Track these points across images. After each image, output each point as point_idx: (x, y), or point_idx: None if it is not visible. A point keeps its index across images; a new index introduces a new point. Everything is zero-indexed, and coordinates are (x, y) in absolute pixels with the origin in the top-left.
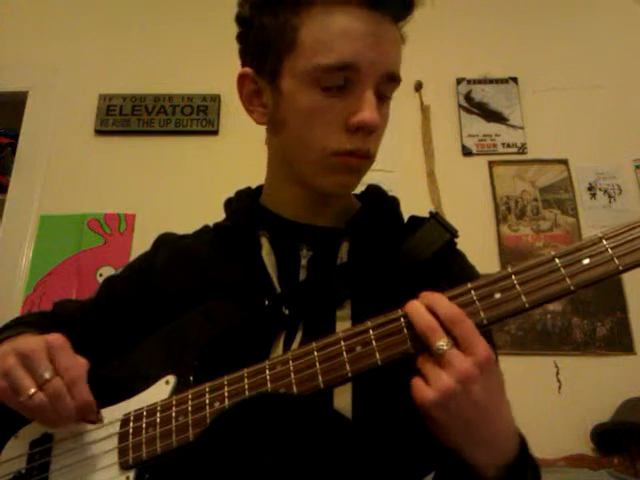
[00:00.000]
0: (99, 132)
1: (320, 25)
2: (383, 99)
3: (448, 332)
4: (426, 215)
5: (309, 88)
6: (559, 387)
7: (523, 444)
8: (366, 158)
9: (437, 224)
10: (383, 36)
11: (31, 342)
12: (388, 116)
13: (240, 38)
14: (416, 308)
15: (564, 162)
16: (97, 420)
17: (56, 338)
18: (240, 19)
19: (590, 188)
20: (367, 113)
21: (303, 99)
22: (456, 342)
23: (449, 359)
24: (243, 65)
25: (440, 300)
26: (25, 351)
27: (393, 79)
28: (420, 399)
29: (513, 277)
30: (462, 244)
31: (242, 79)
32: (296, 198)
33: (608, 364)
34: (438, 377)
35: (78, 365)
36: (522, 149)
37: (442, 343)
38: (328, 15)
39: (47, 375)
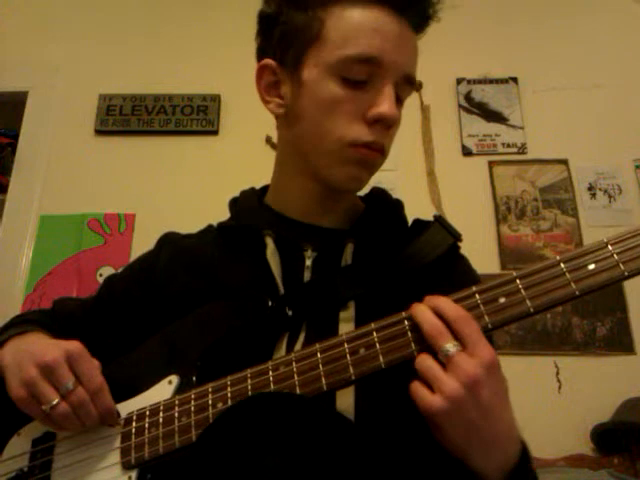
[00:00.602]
0: (99, 132)
1: (348, 20)
2: (399, 102)
3: (454, 335)
4: (429, 218)
5: (332, 79)
6: (559, 387)
7: (524, 450)
8: (380, 153)
9: (441, 228)
10: (407, 40)
11: (50, 351)
12: (401, 119)
13: (261, 34)
14: (422, 310)
15: (564, 162)
16: (116, 423)
17: (75, 347)
18: (265, 15)
19: (590, 188)
20: (387, 106)
21: (325, 89)
22: (462, 345)
23: (457, 362)
24: (259, 61)
25: (446, 303)
26: (46, 362)
27: (410, 82)
28: (427, 407)
29: (518, 281)
30: (462, 244)
31: (261, 70)
32: (305, 194)
33: (608, 364)
34: (445, 383)
35: (98, 371)
36: (522, 149)
37: (449, 346)
38: (356, 11)
39: (70, 385)
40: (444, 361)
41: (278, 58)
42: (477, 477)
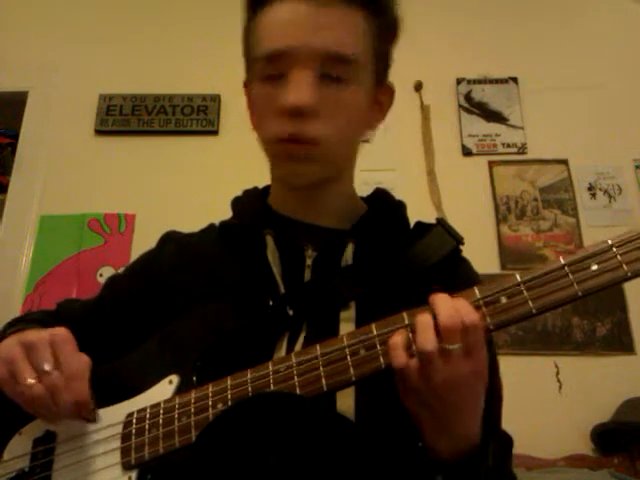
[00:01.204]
0: (99, 132)
1: (259, 24)
2: (333, 80)
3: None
4: (430, 218)
5: (257, 83)
6: (559, 387)
7: (485, 446)
8: (308, 144)
9: (443, 231)
10: (322, 18)
11: (36, 334)
12: (349, 102)
13: None
14: (444, 301)
15: (564, 162)
16: (92, 419)
17: (61, 332)
18: None
19: (590, 188)
20: (289, 95)
21: (255, 94)
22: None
23: (451, 362)
24: None
25: (466, 306)
26: (29, 342)
27: (338, 59)
28: (404, 379)
29: (520, 282)
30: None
31: (245, 87)
32: (289, 196)
33: (608, 364)
34: (436, 372)
35: (80, 361)
36: (522, 149)
37: (455, 347)
38: (268, 12)
39: (47, 367)
40: (444, 355)
41: (246, 76)
42: (429, 450)
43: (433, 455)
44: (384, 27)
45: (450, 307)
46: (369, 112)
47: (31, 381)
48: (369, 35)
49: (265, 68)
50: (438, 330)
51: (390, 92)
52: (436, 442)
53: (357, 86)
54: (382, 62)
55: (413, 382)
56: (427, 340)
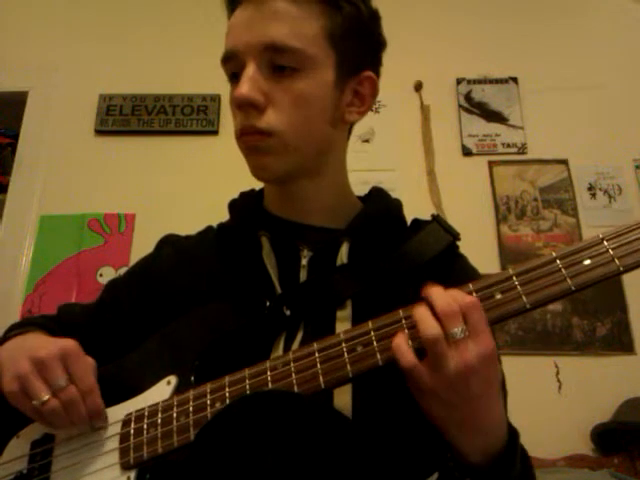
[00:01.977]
0: (99, 132)
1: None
2: (278, 71)
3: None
4: (428, 218)
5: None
6: (559, 387)
7: (513, 436)
8: (259, 134)
9: (439, 226)
10: (258, 14)
11: (45, 347)
12: (301, 92)
13: None
14: (439, 291)
15: (564, 162)
16: (104, 426)
17: (70, 344)
18: None
19: (590, 188)
20: (235, 90)
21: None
22: (468, 330)
23: (460, 348)
24: None
25: (460, 292)
26: (40, 357)
27: (278, 49)
28: (417, 382)
29: (514, 277)
30: (462, 244)
31: None
32: (274, 196)
33: (608, 364)
34: (444, 365)
35: (91, 371)
36: (522, 149)
37: (458, 330)
38: (231, 19)
39: (62, 383)
40: (449, 342)
41: None
42: (455, 453)
43: (462, 460)
44: (348, 19)
45: (445, 294)
46: (336, 103)
47: (47, 397)
48: (323, 26)
49: (226, 70)
50: (438, 318)
51: (370, 81)
52: (465, 443)
53: (312, 77)
54: (349, 53)
55: (426, 381)
56: (430, 327)
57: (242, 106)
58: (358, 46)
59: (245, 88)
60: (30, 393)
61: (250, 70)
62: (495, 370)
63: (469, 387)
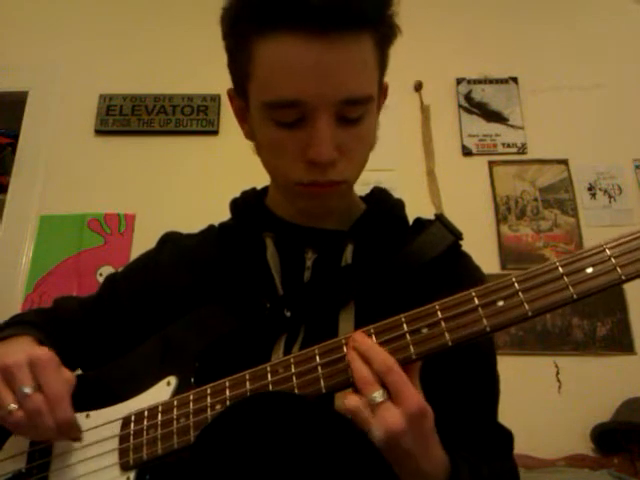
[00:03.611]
0: (99, 132)
1: (266, 60)
2: (350, 122)
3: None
4: (431, 217)
5: (265, 121)
6: (559, 387)
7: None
8: (334, 185)
9: (442, 226)
10: (331, 62)
11: (13, 354)
12: (365, 135)
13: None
14: (353, 359)
15: (564, 162)
16: (79, 438)
17: (42, 353)
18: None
19: (590, 188)
20: (317, 149)
21: (264, 131)
22: (389, 392)
23: (380, 412)
24: None
25: (373, 351)
26: (7, 364)
27: (353, 102)
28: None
29: (516, 284)
30: (462, 244)
31: (230, 96)
32: (296, 210)
33: (608, 364)
34: (370, 431)
35: (62, 381)
36: (522, 149)
37: (376, 395)
38: (273, 47)
39: (27, 390)
40: (371, 409)
41: (234, 87)
42: None
43: None
44: (386, 35)
45: (360, 365)
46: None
47: (13, 406)
48: (377, 55)
49: (275, 113)
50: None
51: (386, 90)
52: None
53: (371, 115)
54: (384, 69)
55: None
56: (349, 399)
57: (325, 165)
58: (388, 58)
59: (327, 150)
60: None
61: (325, 127)
62: (429, 421)
63: (401, 446)
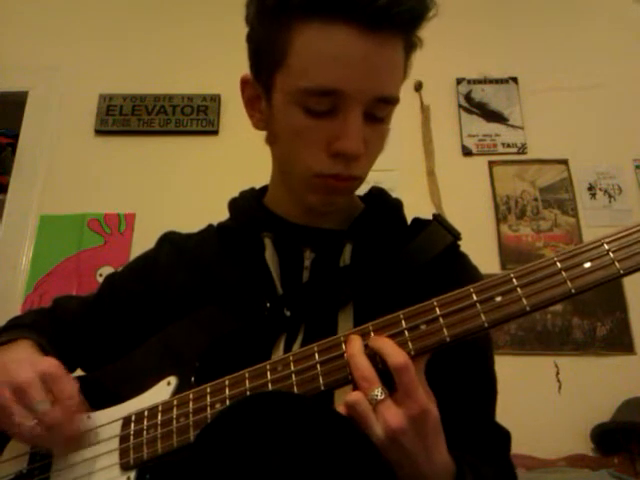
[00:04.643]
0: (99, 132)
1: (310, 46)
2: (376, 120)
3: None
4: (429, 217)
5: (295, 108)
6: (559, 387)
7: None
8: (351, 180)
9: (440, 226)
10: (377, 59)
11: (24, 371)
12: (385, 135)
13: (247, 39)
14: (354, 355)
15: (564, 162)
16: (91, 445)
17: (49, 365)
18: (246, 21)
19: (590, 188)
20: (348, 142)
21: (290, 118)
22: (396, 389)
23: (381, 411)
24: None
25: (390, 347)
26: (19, 383)
27: (385, 101)
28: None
29: (514, 280)
30: (462, 244)
31: (243, 83)
32: (298, 207)
33: (608, 364)
34: (370, 428)
35: (73, 391)
36: (522, 149)
37: (376, 392)
38: (321, 35)
39: (46, 406)
40: (371, 406)
41: (254, 73)
42: None
43: None
44: (414, 44)
45: (363, 362)
46: None
47: (29, 424)
48: (405, 61)
49: (309, 100)
50: (357, 383)
51: None
52: None
53: (390, 117)
54: (406, 77)
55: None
56: (351, 394)
57: (351, 159)
58: None
59: (357, 144)
60: (12, 420)
61: (358, 121)
62: (431, 422)
63: (401, 446)
